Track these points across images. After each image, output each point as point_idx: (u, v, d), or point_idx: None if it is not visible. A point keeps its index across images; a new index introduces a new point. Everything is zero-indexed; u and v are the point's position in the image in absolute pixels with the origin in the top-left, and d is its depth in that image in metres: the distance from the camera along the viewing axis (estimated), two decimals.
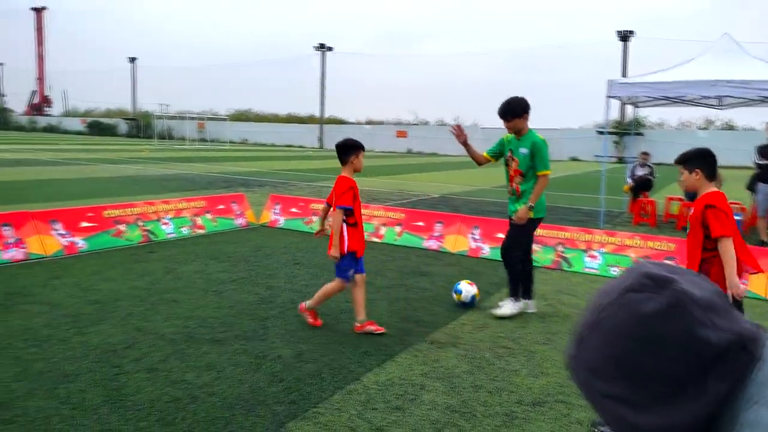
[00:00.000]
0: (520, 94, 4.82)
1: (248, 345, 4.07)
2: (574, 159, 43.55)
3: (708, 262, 3.53)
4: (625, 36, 42.88)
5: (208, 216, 8.51)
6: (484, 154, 5.09)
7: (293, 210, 9.20)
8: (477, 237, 7.44)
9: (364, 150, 4.50)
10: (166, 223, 7.87)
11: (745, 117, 60.34)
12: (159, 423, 2.98)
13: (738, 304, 3.51)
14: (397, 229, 8.05)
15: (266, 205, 9.46)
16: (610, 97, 9.71)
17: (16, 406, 3.08)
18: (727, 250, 3.41)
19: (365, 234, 7.53)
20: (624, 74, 43.24)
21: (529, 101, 4.81)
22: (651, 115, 48.58)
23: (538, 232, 7.19)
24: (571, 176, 25.08)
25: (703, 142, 4.03)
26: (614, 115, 46.57)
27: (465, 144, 4.96)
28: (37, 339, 4.03)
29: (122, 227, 7.35)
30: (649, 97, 11.13)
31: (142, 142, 50.65)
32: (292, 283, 5.73)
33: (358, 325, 4.43)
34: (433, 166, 28.48)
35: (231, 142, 53.40)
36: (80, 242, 6.83)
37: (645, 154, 12.09)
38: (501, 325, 4.75)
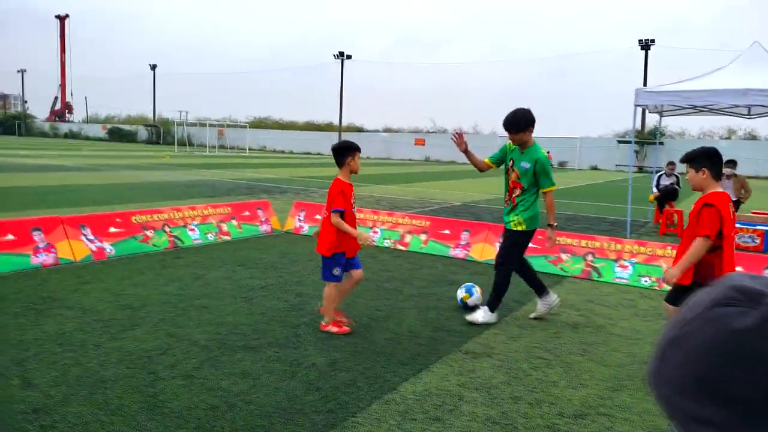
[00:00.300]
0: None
1: (282, 352, 4.04)
2: (594, 168, 43.15)
3: (711, 258, 3.57)
4: (646, 45, 42.52)
5: (234, 222, 8.54)
6: (486, 160, 5.04)
7: (317, 217, 9.19)
8: None
9: (359, 151, 4.54)
10: (192, 229, 7.91)
11: None
12: (197, 431, 2.96)
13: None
14: (423, 237, 8.00)
15: (290, 212, 9.47)
16: (637, 105, 9.58)
17: (55, 412, 3.08)
18: (699, 249, 3.52)
19: (391, 241, 7.52)
20: (645, 83, 42.82)
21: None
22: (671, 124, 48.02)
23: (567, 240, 7.13)
24: (593, 185, 24.83)
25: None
26: (636, 124, 46.11)
27: (465, 152, 4.97)
28: (71, 344, 4.05)
29: (149, 233, 7.40)
30: (675, 106, 10.98)
31: (162, 148, 51.32)
32: (320, 291, 5.67)
33: (323, 324, 4.56)
34: (452, 175, 28.37)
35: (250, 149, 53.84)
36: (108, 247, 6.88)
37: (671, 164, 11.91)
38: (534, 335, 4.67)
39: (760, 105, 9.43)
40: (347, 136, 55.30)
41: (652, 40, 42.50)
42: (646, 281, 6.46)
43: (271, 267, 6.67)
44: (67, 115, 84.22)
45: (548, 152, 5.43)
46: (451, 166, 38.93)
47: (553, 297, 5.07)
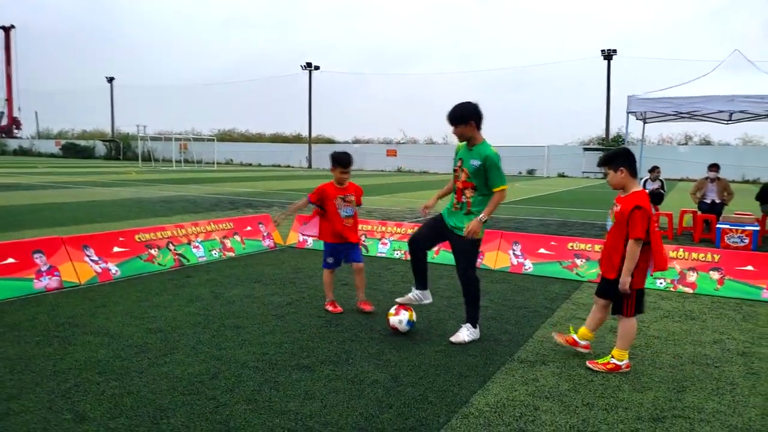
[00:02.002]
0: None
1: (338, 370, 3.91)
2: (561, 175, 44.14)
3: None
4: (608, 55, 43.89)
5: (237, 238, 8.31)
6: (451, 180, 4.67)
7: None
8: (518, 253, 7.39)
9: (339, 165, 5.26)
10: (197, 247, 7.66)
11: (721, 133, 62.07)
12: None
13: (641, 297, 4.02)
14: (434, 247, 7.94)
15: (293, 226, 9.29)
16: (629, 112, 9.83)
17: None
18: (636, 251, 3.83)
19: (401, 252, 7.49)
20: (608, 92, 44.19)
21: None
22: (633, 131, 49.68)
23: (580, 246, 7.21)
24: (569, 192, 25.34)
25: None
26: (598, 131, 47.48)
27: (438, 200, 4.77)
28: (112, 371, 3.82)
29: (154, 251, 7.12)
30: (659, 113, 11.32)
31: (124, 164, 49.88)
32: (350, 305, 5.57)
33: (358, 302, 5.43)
34: (429, 184, 28.55)
35: (217, 163, 52.90)
36: (113, 268, 6.58)
37: (656, 168, 12.26)
38: None
39: (742, 111, 9.81)
40: (317, 148, 55.13)
41: (614, 50, 43.92)
42: (661, 283, 6.58)
43: (289, 283, 6.50)
44: (14, 131, 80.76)
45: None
46: (425, 176, 39.21)
47: (428, 295, 4.84)
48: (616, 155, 4.02)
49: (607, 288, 4.09)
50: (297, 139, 63.40)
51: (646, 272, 4.04)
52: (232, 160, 59.44)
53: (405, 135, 62.06)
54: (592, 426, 3.18)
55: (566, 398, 3.54)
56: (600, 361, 4.07)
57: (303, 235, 8.67)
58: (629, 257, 3.84)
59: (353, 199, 5.38)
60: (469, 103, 4.38)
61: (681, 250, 6.78)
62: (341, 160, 5.28)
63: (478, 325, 4.64)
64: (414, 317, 4.70)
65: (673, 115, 11.25)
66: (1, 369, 3.83)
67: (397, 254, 8.11)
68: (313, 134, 58.52)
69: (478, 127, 4.39)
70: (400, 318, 4.65)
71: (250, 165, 56.21)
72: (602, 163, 4.10)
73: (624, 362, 4.00)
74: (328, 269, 5.43)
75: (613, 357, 4.03)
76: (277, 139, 65.84)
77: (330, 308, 5.37)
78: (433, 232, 4.69)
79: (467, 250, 4.49)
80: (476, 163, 4.33)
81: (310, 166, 53.69)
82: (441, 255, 7.82)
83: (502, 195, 4.38)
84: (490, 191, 4.37)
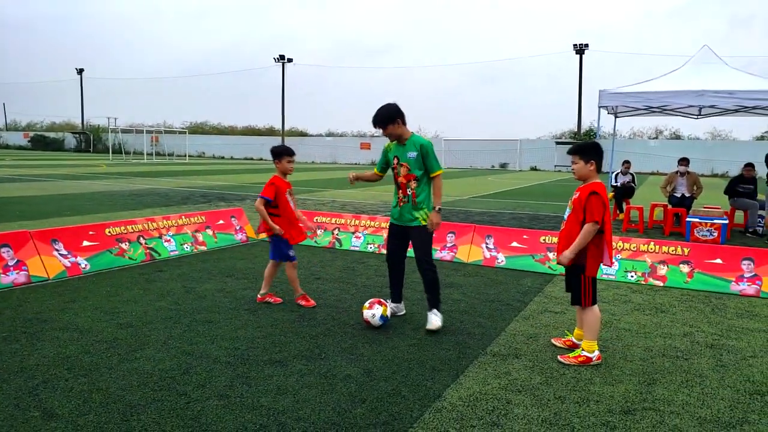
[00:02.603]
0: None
1: (311, 365, 3.89)
2: (533, 168, 44.66)
3: (592, 241, 3.98)
4: (580, 49, 44.42)
5: (209, 231, 8.20)
6: (375, 170, 5.01)
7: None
8: (491, 246, 7.45)
9: (290, 155, 5.31)
10: (168, 240, 7.53)
11: (691, 127, 63.36)
12: None
13: (595, 286, 4.11)
14: None
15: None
16: (601, 106, 9.97)
17: None
18: (589, 233, 3.93)
19: (375, 246, 7.50)
20: (580, 86, 44.78)
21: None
22: (605, 125, 50.45)
23: (553, 240, 7.28)
24: (541, 185, 25.64)
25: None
26: (570, 125, 48.11)
27: (356, 179, 5.13)
28: (81, 368, 3.73)
29: (125, 245, 6.98)
30: (630, 107, 11.50)
31: (93, 156, 48.78)
32: (323, 299, 5.55)
33: (259, 296, 5.40)
34: None
35: (189, 156, 52.07)
36: (83, 262, 6.43)
37: (627, 162, 12.49)
38: (549, 333, 4.72)
39: (712, 106, 10.03)
40: (290, 141, 54.71)
41: (587, 45, 44.49)
42: (632, 276, 6.71)
43: (261, 277, 6.39)
44: None
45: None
46: None
47: (402, 308, 5.11)
48: (589, 147, 4.09)
49: (568, 281, 4.24)
50: (270, 132, 62.81)
51: (599, 261, 4.10)
52: (204, 153, 58.64)
53: None
54: (564, 419, 3.23)
55: (538, 392, 3.59)
56: (571, 355, 4.13)
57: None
58: (582, 236, 3.93)
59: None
60: (391, 104, 4.67)
61: (651, 243, 6.91)
62: (286, 150, 5.27)
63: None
64: (388, 313, 4.71)
65: (644, 109, 11.46)
66: None
67: (370, 248, 8.10)
68: (286, 127, 58.09)
69: (404, 123, 4.67)
70: (373, 312, 4.65)
71: (222, 158, 55.52)
72: (574, 151, 4.14)
73: (595, 353, 4.07)
74: (292, 262, 5.31)
75: (583, 350, 4.09)
76: (249, 132, 65.14)
77: (303, 302, 5.30)
78: (397, 239, 4.93)
79: (424, 239, 4.72)
80: (413, 154, 4.61)
81: None
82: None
83: (440, 179, 4.69)
84: (430, 178, 4.65)
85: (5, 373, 3.62)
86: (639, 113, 12.29)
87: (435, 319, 4.71)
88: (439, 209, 4.65)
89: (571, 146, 4.27)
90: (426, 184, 4.66)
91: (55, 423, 3.01)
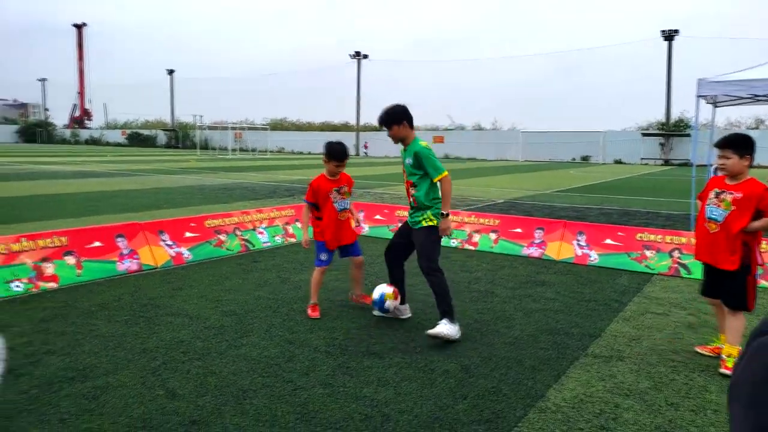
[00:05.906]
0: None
1: (407, 358, 3.95)
2: (618, 161, 42.67)
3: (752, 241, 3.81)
4: (669, 35, 41.85)
5: (298, 224, 8.47)
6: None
7: (377, 217, 9.12)
8: (583, 243, 7.21)
9: (334, 159, 4.86)
10: (261, 233, 7.86)
11: None
12: None
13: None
14: (493, 236, 7.86)
15: None
16: (699, 96, 9.36)
17: (213, 424, 3.01)
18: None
19: (458, 241, 7.42)
20: (669, 74, 42.22)
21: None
22: (700, 115, 47.35)
23: (650, 237, 6.95)
24: (628, 179, 24.46)
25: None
26: (659, 116, 45.52)
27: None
28: (195, 352, 3.99)
29: (222, 237, 7.35)
30: (732, 96, 10.71)
31: (183, 152, 51.60)
32: (411, 293, 5.59)
33: (354, 296, 5.13)
34: (475, 172, 28.21)
35: (270, 151, 53.98)
36: (186, 252, 6.84)
37: None
38: (653, 336, 4.52)
39: None
40: (365, 136, 55.36)
41: (676, 30, 41.84)
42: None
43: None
44: (86, 122, 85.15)
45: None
46: (474, 163, 38.72)
47: (407, 309, 4.88)
48: (744, 141, 3.83)
49: (719, 283, 3.94)
50: (345, 128, 63.74)
51: (757, 262, 3.89)
52: (284, 148, 60.48)
53: (453, 121, 61.41)
54: (680, 428, 3.08)
55: (648, 396, 3.45)
56: (729, 363, 3.82)
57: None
58: (763, 224, 3.76)
59: (347, 191, 5.03)
60: (399, 105, 4.57)
61: (763, 242, 6.42)
62: (336, 154, 4.86)
63: (456, 321, 4.37)
64: (389, 303, 4.60)
65: (748, 98, 10.62)
66: (97, 345, 4.07)
67: (454, 242, 8.05)
68: (361, 122, 58.71)
69: (411, 126, 4.56)
70: (382, 291, 4.62)
71: (301, 153, 57.04)
72: (726, 145, 3.83)
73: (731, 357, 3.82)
74: (320, 267, 4.92)
75: (732, 355, 3.83)
76: (326, 127, 66.42)
77: (309, 311, 4.88)
78: (400, 238, 4.78)
79: (423, 242, 4.48)
80: (409, 161, 4.52)
81: (357, 154, 53.89)
82: (500, 245, 7.73)
83: (447, 182, 4.43)
84: (433, 183, 4.44)
85: (130, 353, 3.93)
86: (741, 102, 11.41)
87: (439, 327, 4.26)
88: (447, 214, 4.40)
89: (720, 139, 3.92)
90: (429, 187, 4.46)
91: (178, 402, 3.23)
